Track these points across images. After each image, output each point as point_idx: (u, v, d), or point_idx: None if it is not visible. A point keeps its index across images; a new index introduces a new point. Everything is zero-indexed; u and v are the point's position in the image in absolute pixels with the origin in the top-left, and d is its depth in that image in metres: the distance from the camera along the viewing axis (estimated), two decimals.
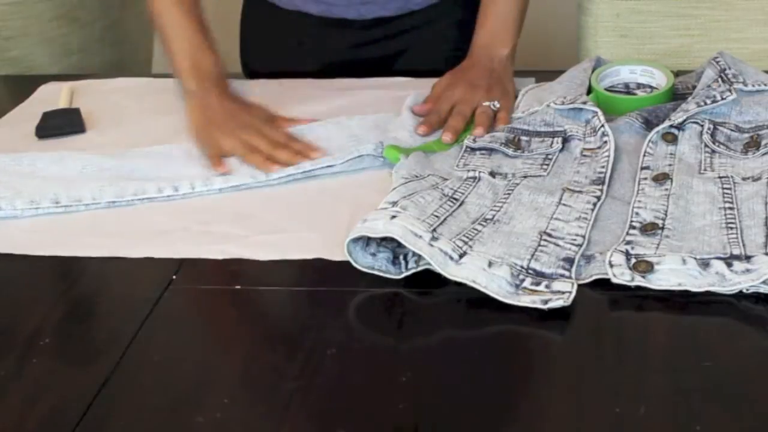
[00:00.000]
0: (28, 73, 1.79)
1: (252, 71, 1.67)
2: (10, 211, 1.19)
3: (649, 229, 1.06)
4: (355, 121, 1.36)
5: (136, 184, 1.23)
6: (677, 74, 1.36)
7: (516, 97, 1.37)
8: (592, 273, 1.02)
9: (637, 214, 1.09)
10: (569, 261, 1.03)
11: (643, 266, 1.01)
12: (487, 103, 1.34)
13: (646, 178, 1.15)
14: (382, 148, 1.25)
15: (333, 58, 1.46)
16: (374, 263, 1.05)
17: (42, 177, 1.25)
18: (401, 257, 1.06)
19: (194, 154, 1.30)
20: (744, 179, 1.13)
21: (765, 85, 1.26)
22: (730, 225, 1.06)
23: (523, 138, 1.25)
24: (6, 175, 1.25)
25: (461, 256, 1.02)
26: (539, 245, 1.05)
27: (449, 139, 1.29)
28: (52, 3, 1.81)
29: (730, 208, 1.08)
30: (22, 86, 1.60)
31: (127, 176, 1.26)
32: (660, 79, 1.34)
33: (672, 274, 1.00)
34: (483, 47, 1.44)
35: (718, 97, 1.24)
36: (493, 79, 1.39)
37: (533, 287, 1.00)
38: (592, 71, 1.36)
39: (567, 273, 1.02)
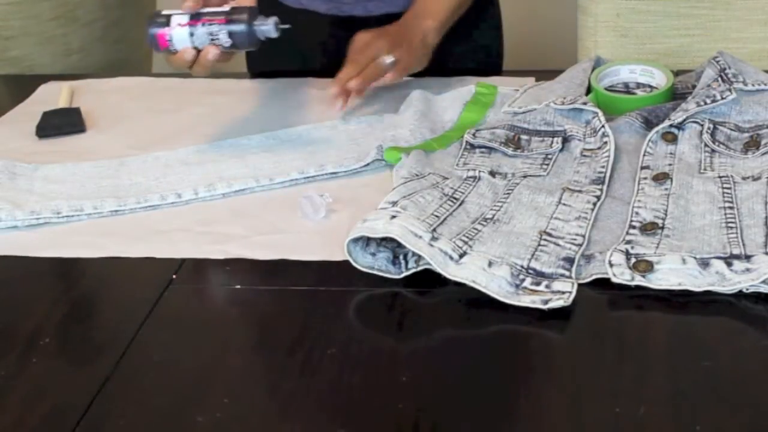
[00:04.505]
0: (28, 73, 1.80)
1: (259, 70, 1.67)
2: (11, 221, 1.18)
3: (649, 228, 1.06)
4: (353, 123, 1.36)
5: (137, 195, 1.23)
6: (677, 74, 1.36)
7: (419, 63, 1.42)
8: (592, 272, 1.02)
9: (636, 213, 1.09)
10: (569, 261, 1.03)
11: (643, 266, 1.01)
12: (383, 57, 1.36)
13: (646, 178, 1.15)
14: (382, 151, 1.25)
15: (341, 56, 1.47)
16: (374, 263, 1.05)
17: (40, 194, 1.25)
18: (401, 257, 1.06)
19: (192, 160, 1.30)
20: (744, 179, 1.13)
21: (765, 84, 1.26)
22: (730, 224, 1.06)
23: (523, 137, 1.25)
24: (3, 190, 1.25)
25: (461, 256, 1.02)
26: (539, 245, 1.05)
27: (333, 92, 1.34)
28: (52, 3, 1.81)
29: (730, 208, 1.08)
30: (22, 86, 1.60)
31: (125, 191, 1.25)
32: (660, 79, 1.34)
33: (672, 274, 1.00)
34: (411, 16, 1.46)
35: (718, 97, 1.24)
36: (405, 40, 1.40)
37: (533, 287, 0.99)
38: (592, 71, 1.36)
39: (567, 273, 1.02)
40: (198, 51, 1.27)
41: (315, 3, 1.58)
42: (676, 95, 1.33)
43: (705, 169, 1.16)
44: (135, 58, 1.97)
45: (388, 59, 1.37)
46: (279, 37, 1.28)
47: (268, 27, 1.27)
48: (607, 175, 1.16)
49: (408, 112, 1.33)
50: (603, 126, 1.22)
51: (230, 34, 1.26)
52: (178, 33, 1.26)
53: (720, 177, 1.14)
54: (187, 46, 1.27)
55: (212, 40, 1.26)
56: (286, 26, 1.29)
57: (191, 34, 1.26)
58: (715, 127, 1.22)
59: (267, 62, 1.66)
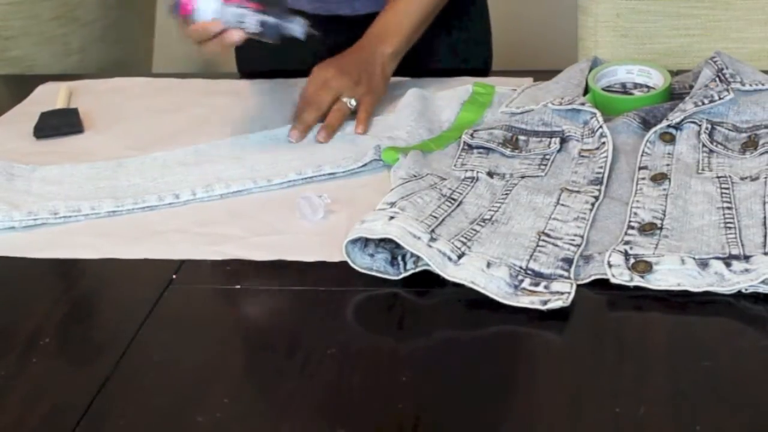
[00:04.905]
0: (28, 73, 1.80)
1: (247, 70, 1.67)
2: (8, 222, 1.18)
3: (647, 229, 1.06)
4: (349, 124, 1.36)
5: (135, 196, 1.23)
6: (675, 74, 1.36)
7: (379, 97, 1.39)
8: (591, 273, 1.02)
9: (635, 214, 1.09)
10: (568, 261, 1.03)
11: (642, 266, 1.01)
12: (345, 99, 1.35)
13: (644, 178, 1.15)
14: (380, 151, 1.25)
15: (327, 55, 1.47)
16: (372, 264, 1.05)
17: (37, 194, 1.24)
18: (399, 258, 1.06)
19: (190, 161, 1.30)
20: (742, 179, 1.14)
21: (762, 84, 1.26)
22: (728, 225, 1.06)
23: (521, 137, 1.25)
24: (0, 191, 1.25)
25: (460, 257, 1.02)
26: (538, 245, 1.05)
27: (295, 137, 1.32)
28: (52, 3, 1.81)
29: (729, 208, 1.08)
30: (22, 86, 1.60)
31: (123, 191, 1.25)
32: (657, 79, 1.34)
33: (671, 275, 1.00)
34: (370, 38, 1.44)
35: (716, 97, 1.24)
36: (365, 73, 1.39)
37: (532, 288, 1.00)
38: (589, 71, 1.36)
39: (566, 273, 1.02)
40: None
41: (300, 2, 1.57)
42: (673, 95, 1.33)
43: (703, 170, 1.16)
44: (135, 59, 1.97)
45: (351, 102, 1.36)
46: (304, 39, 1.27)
47: (297, 27, 1.25)
48: (606, 175, 1.16)
49: (405, 112, 1.33)
50: (601, 126, 1.22)
51: (261, 23, 1.24)
52: (207, 4, 1.23)
53: (718, 177, 1.14)
54: (213, 19, 1.24)
55: (240, 22, 1.24)
56: (315, 33, 1.27)
57: (219, 10, 1.23)
58: (713, 127, 1.22)
59: (254, 61, 1.66)
